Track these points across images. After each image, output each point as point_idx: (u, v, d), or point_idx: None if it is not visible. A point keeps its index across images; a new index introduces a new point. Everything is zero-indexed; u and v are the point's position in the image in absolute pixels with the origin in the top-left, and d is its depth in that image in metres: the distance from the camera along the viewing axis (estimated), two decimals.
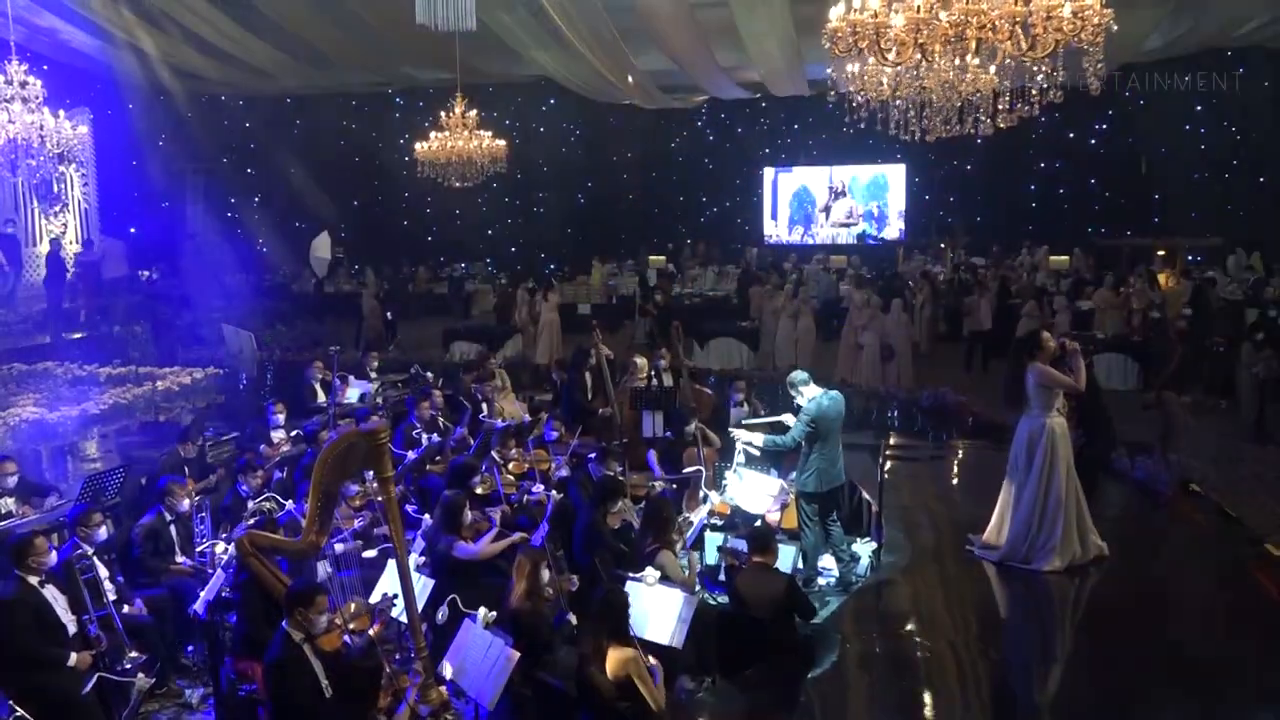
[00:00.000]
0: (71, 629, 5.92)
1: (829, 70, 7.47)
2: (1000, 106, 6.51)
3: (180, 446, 8.52)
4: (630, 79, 20.41)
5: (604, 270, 23.10)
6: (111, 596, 6.23)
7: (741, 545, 6.56)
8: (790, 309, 16.09)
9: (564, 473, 8.65)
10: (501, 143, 15.59)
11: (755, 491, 7.49)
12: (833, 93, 7.62)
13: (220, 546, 6.94)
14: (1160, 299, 14.66)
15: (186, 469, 8.28)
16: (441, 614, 5.30)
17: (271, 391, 12.61)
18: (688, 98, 24.54)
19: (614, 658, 5.01)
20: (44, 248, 19.13)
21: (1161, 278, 17.63)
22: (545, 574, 5.62)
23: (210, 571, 6.60)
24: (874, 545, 8.05)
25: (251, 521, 7.46)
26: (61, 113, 10.65)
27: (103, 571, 6.30)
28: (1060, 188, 25.72)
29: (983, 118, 6.55)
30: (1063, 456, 6.94)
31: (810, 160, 27.60)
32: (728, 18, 17.92)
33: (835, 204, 27.40)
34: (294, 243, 24.83)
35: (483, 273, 25.53)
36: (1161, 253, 20.64)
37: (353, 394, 11.11)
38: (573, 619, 5.90)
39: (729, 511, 8.03)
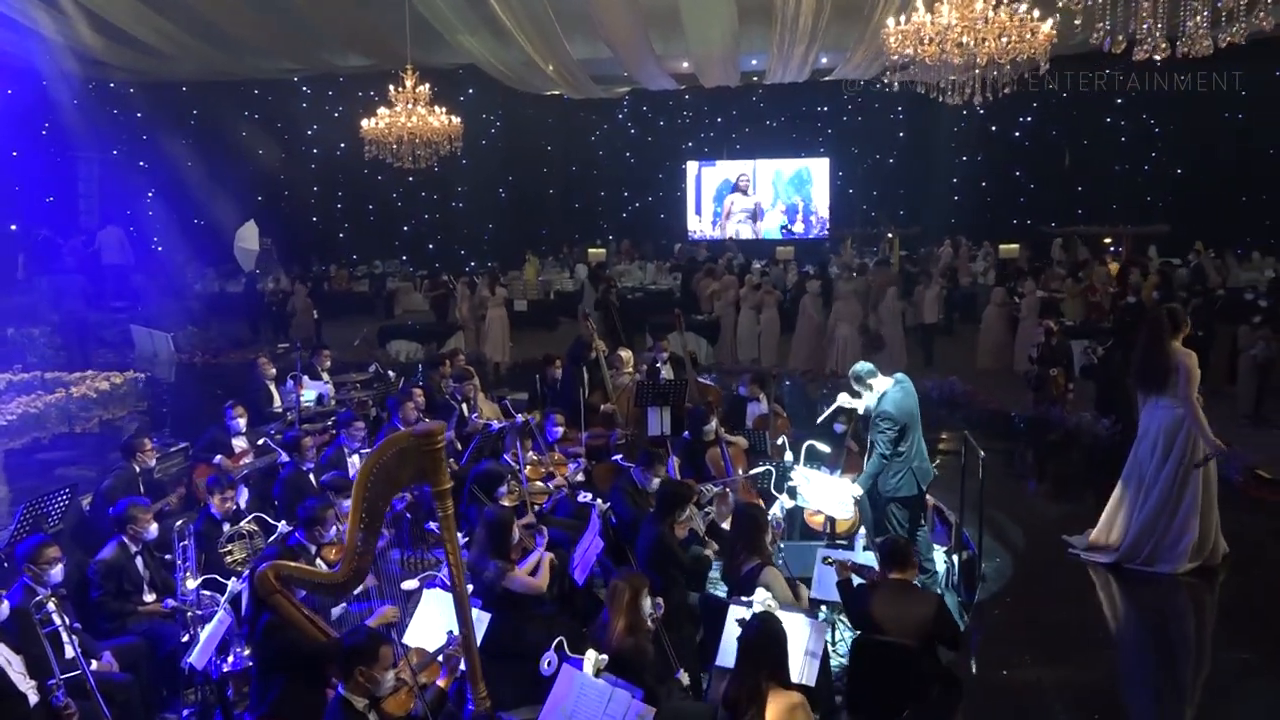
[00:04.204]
0: (33, 698, 4.63)
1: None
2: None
3: (131, 460, 7.08)
4: (550, 67, 19.35)
5: (538, 265, 22.03)
6: (75, 651, 4.91)
7: (845, 555, 5.62)
8: (753, 300, 15.38)
9: (581, 476, 7.67)
10: (457, 120, 14.32)
11: (829, 494, 6.56)
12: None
13: (192, 583, 5.65)
14: (1139, 284, 14.39)
15: (141, 487, 6.92)
16: (549, 661, 4.20)
17: (206, 398, 11.15)
18: (611, 88, 23.62)
19: (777, 707, 3.91)
20: None
21: (1114, 267, 17.62)
22: (647, 603, 4.57)
23: (200, 613, 5.33)
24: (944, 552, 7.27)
25: (227, 548, 6.27)
26: None
27: (62, 620, 4.99)
28: (984, 180, 25.69)
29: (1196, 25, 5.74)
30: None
31: (734, 154, 27.02)
32: (667, 3, 17.06)
33: (735, 200, 26.83)
34: (196, 239, 22.94)
35: (400, 270, 24.10)
36: (1107, 240, 20.65)
37: (309, 395, 9.82)
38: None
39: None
